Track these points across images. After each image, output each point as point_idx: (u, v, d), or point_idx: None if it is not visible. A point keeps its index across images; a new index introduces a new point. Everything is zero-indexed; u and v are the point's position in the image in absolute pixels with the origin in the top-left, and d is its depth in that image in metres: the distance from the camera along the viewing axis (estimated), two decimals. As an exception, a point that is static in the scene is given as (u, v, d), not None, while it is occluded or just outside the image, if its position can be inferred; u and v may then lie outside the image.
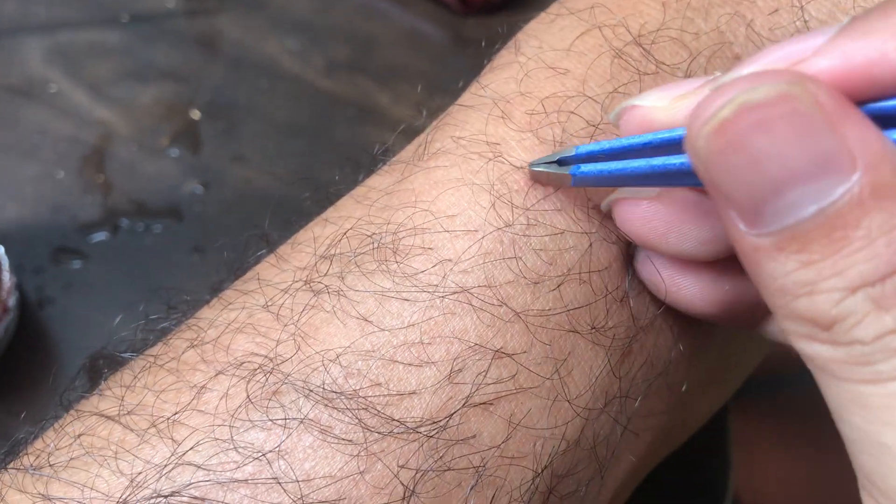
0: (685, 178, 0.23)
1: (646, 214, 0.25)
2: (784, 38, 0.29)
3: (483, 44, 0.33)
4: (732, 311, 0.26)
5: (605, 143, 0.24)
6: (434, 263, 0.25)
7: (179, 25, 0.57)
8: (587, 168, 0.25)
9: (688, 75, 0.28)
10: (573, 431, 0.26)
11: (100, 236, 0.49)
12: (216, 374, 0.25)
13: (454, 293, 0.25)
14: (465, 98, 0.29)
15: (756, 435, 0.83)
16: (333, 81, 0.55)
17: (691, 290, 0.26)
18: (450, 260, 0.25)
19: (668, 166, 0.22)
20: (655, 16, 0.29)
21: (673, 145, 0.23)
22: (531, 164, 0.26)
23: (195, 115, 0.54)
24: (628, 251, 0.27)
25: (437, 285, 0.25)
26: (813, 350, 0.20)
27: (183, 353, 0.26)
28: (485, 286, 0.25)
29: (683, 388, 0.29)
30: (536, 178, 0.26)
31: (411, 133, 0.30)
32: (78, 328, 0.47)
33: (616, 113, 0.25)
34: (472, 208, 0.26)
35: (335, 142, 0.54)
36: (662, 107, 0.23)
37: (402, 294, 0.25)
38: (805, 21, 0.30)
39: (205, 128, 0.53)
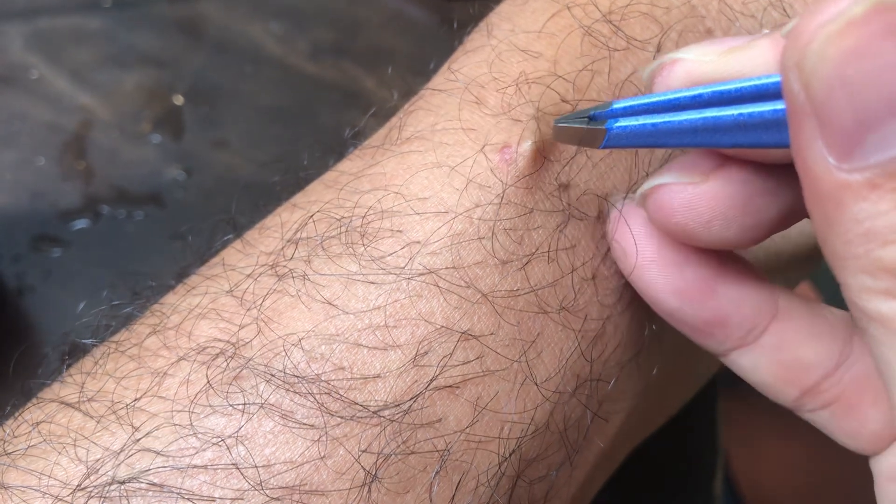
0: (744, 133, 0.21)
1: (691, 199, 0.23)
2: (758, 12, 0.29)
3: (469, 29, 0.32)
4: (699, 313, 0.25)
5: (647, 97, 0.23)
6: (402, 246, 0.25)
7: (162, 10, 0.56)
8: (625, 123, 0.23)
9: (658, 50, 0.28)
10: (542, 415, 0.25)
11: (80, 223, 0.49)
12: (178, 360, 0.25)
13: (421, 275, 0.25)
14: (438, 82, 0.29)
15: (755, 422, 0.83)
16: (318, 65, 0.55)
17: (665, 273, 0.25)
18: (418, 242, 0.25)
19: (725, 119, 0.21)
20: None
21: (728, 100, 0.21)
22: (557, 121, 0.25)
23: (178, 100, 0.53)
24: (598, 228, 0.27)
25: (403, 267, 0.25)
26: (890, 308, 0.18)
27: (145, 338, 0.26)
28: (452, 267, 0.25)
29: (654, 371, 0.29)
30: (562, 137, 0.25)
31: (382, 116, 0.30)
32: (58, 316, 0.47)
33: (652, 69, 0.24)
34: (444, 190, 0.26)
35: (320, 127, 0.53)
36: (711, 60, 0.22)
37: (369, 277, 0.25)
38: None
39: (187, 113, 0.53)
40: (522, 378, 0.25)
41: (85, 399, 0.25)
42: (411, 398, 0.24)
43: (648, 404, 0.31)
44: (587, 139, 0.24)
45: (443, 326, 0.24)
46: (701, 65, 0.23)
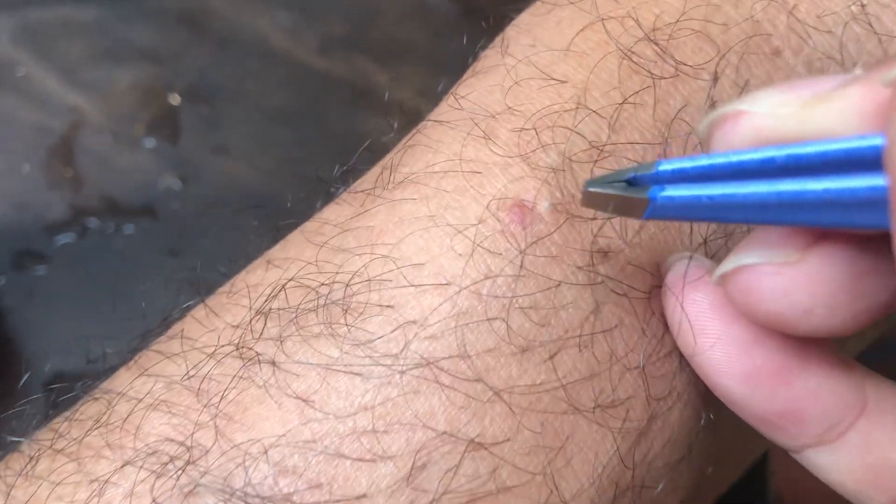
0: (830, 213, 0.17)
1: (787, 285, 0.19)
2: (836, 26, 0.24)
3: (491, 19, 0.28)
4: (770, 404, 0.20)
5: (701, 158, 0.18)
6: (394, 327, 0.21)
7: (160, 0, 0.52)
8: (674, 193, 0.18)
9: (716, 77, 0.23)
10: None
11: (66, 238, 0.45)
12: (123, 465, 0.20)
13: (418, 366, 0.20)
14: (441, 111, 0.24)
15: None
16: (328, 61, 0.51)
17: (731, 355, 0.21)
18: (414, 322, 0.21)
19: (807, 195, 0.17)
20: (673, 3, 0.24)
21: (808, 166, 0.17)
22: (588, 184, 0.20)
23: (174, 100, 0.49)
24: (646, 305, 0.22)
25: (396, 355, 0.20)
26: None
27: (87, 433, 0.21)
28: (457, 356, 0.20)
29: (710, 469, 0.24)
30: (594, 203, 0.20)
31: (381, 149, 0.25)
32: (41, 341, 0.43)
33: (710, 121, 0.19)
34: (444, 255, 0.21)
35: (328, 130, 0.49)
36: (788, 114, 0.18)
37: (353, 367, 0.20)
38: (863, 5, 0.24)
39: (185, 115, 0.49)
40: (547, 494, 0.21)
41: None
42: None
43: (697, 496, 0.26)
44: (624, 208, 0.19)
45: (445, 432, 0.20)
46: (775, 120, 0.18)
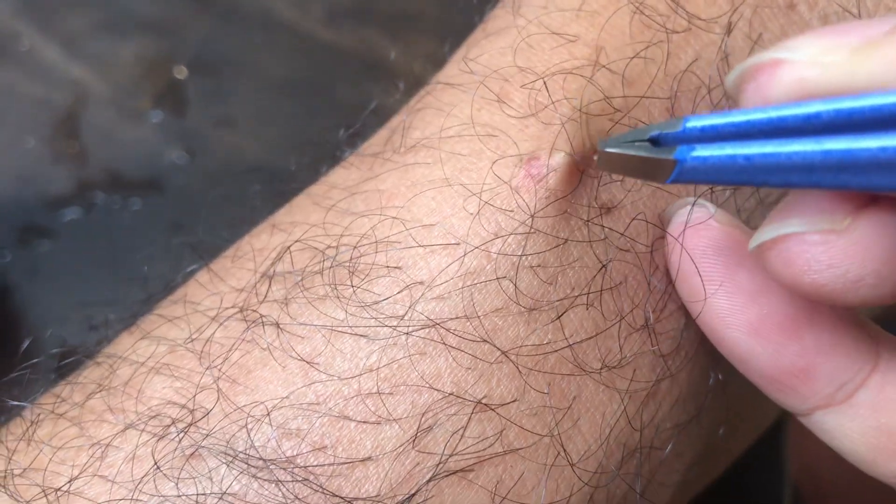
0: (884, 174, 0.15)
1: (835, 254, 0.18)
2: None
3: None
4: (777, 359, 0.20)
5: (735, 114, 0.17)
6: (401, 288, 0.20)
7: (164, -30, 0.51)
8: (706, 153, 0.17)
9: (729, 31, 0.22)
10: (580, 500, 0.21)
11: (71, 214, 0.45)
12: (125, 429, 0.20)
13: (424, 327, 0.20)
14: (451, 73, 0.23)
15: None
16: (335, 32, 0.50)
17: (736, 304, 0.20)
18: (421, 282, 0.20)
19: (860, 154, 0.15)
20: None
21: (859, 122, 0.15)
22: (603, 145, 0.19)
23: (180, 72, 0.49)
24: (652, 260, 0.22)
25: (402, 317, 0.20)
26: None
27: (89, 397, 0.21)
28: (464, 317, 0.20)
29: (721, 431, 0.24)
30: (612, 166, 0.19)
31: (385, 112, 0.25)
32: (45, 319, 0.43)
33: (739, 74, 0.18)
34: (455, 215, 0.21)
35: (336, 102, 0.49)
36: (835, 62, 0.16)
37: (358, 328, 0.20)
38: None
39: (190, 87, 0.49)
40: (554, 455, 0.20)
41: (15, 474, 0.20)
42: (412, 490, 0.19)
43: (709, 464, 0.26)
44: (648, 171, 0.18)
45: (452, 394, 0.20)
46: (820, 69, 0.16)
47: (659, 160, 0.17)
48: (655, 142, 0.18)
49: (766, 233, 0.19)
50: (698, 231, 0.20)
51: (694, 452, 0.24)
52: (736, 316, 0.20)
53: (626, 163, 0.18)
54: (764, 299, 0.20)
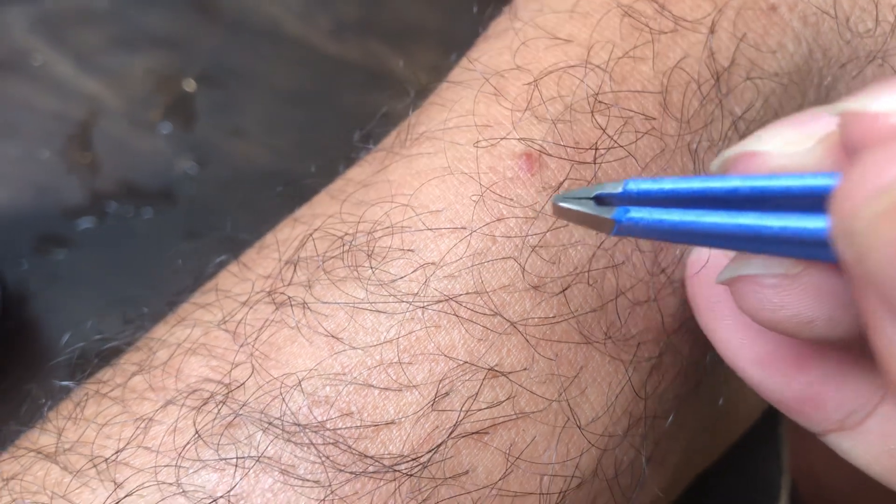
0: (789, 248, 0.18)
1: (787, 298, 0.19)
2: None
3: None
4: (785, 390, 0.22)
5: (669, 181, 0.19)
6: (414, 268, 0.23)
7: (172, -13, 0.54)
8: (639, 215, 0.19)
9: (713, 31, 0.25)
10: (588, 463, 0.23)
11: (86, 223, 0.47)
12: (165, 404, 0.23)
13: (438, 302, 0.22)
14: (455, 73, 0.26)
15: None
16: (341, 45, 0.53)
17: (743, 337, 0.22)
18: (433, 263, 0.23)
19: (765, 231, 0.17)
20: None
21: (774, 197, 0.17)
22: (556, 199, 0.21)
23: (189, 85, 0.51)
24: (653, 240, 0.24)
25: (417, 293, 0.22)
26: None
27: (130, 378, 0.24)
28: (474, 293, 0.22)
29: (720, 401, 0.26)
30: (564, 217, 0.21)
31: (395, 118, 0.28)
32: (64, 325, 0.45)
33: (721, 163, 0.20)
34: (459, 202, 0.23)
35: (343, 111, 0.51)
36: (803, 152, 0.18)
37: (377, 305, 0.22)
38: None
39: (200, 99, 0.51)
40: (563, 420, 0.23)
41: (64, 449, 0.23)
42: (431, 448, 0.21)
43: (711, 436, 0.28)
44: (594, 224, 0.20)
45: (466, 362, 0.22)
46: (787, 159, 0.18)
47: (598, 218, 0.20)
48: (601, 200, 0.20)
49: (726, 272, 0.20)
50: (711, 269, 0.22)
51: (695, 422, 0.26)
52: (744, 351, 0.22)
53: (575, 216, 0.21)
54: (770, 335, 0.21)
